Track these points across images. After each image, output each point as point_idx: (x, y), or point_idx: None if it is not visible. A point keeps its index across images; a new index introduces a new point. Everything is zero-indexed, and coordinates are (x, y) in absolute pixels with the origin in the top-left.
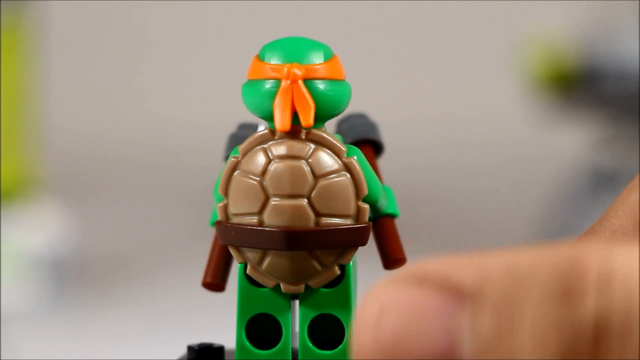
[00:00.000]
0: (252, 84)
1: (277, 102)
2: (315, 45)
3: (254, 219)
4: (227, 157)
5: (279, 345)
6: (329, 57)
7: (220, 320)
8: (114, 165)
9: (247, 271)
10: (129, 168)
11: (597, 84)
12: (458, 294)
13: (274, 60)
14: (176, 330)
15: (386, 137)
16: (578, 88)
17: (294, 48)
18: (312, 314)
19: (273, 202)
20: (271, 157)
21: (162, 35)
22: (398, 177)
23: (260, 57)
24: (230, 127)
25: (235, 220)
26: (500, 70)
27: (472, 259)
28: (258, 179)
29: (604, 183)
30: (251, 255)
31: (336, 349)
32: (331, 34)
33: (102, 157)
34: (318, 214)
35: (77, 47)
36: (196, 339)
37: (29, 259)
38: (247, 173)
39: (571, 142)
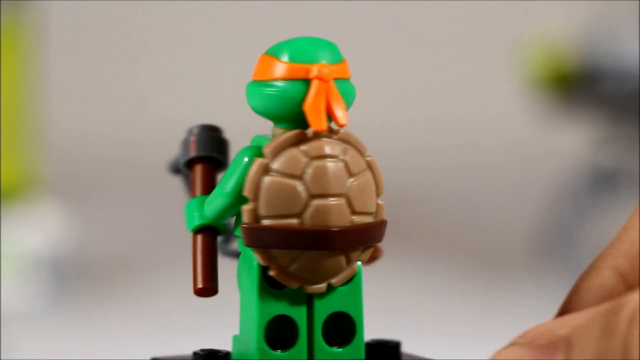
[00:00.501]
0: (265, 84)
1: (311, 102)
2: (332, 45)
3: (293, 221)
4: (187, 162)
5: (296, 345)
6: (342, 56)
7: (220, 320)
8: (114, 165)
9: (272, 273)
10: (129, 168)
11: (597, 84)
12: (553, 346)
13: (298, 60)
14: (176, 330)
15: (386, 137)
16: (578, 88)
17: (316, 48)
18: (326, 312)
19: (316, 203)
20: (308, 157)
21: (163, 35)
22: (398, 177)
23: (274, 57)
24: (231, 127)
25: (266, 222)
26: (500, 70)
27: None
28: (296, 180)
29: (604, 183)
30: (281, 256)
31: (348, 346)
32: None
33: (102, 157)
34: (353, 212)
35: (77, 47)
36: (196, 339)
37: (29, 259)
38: (282, 175)
39: (571, 142)
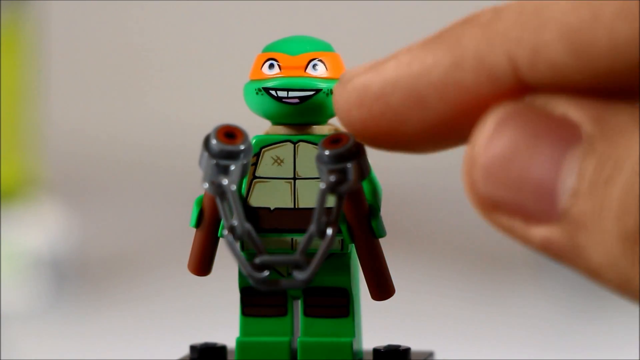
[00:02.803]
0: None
1: None
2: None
3: None
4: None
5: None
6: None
7: (220, 319)
8: (114, 166)
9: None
10: (129, 168)
11: None
12: (573, 134)
13: None
14: (177, 330)
15: None
16: None
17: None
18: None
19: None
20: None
21: (163, 35)
22: (397, 178)
23: None
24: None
25: None
26: None
27: (595, 101)
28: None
29: None
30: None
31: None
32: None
33: (102, 157)
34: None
35: (77, 47)
36: (197, 339)
37: (29, 259)
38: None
39: None
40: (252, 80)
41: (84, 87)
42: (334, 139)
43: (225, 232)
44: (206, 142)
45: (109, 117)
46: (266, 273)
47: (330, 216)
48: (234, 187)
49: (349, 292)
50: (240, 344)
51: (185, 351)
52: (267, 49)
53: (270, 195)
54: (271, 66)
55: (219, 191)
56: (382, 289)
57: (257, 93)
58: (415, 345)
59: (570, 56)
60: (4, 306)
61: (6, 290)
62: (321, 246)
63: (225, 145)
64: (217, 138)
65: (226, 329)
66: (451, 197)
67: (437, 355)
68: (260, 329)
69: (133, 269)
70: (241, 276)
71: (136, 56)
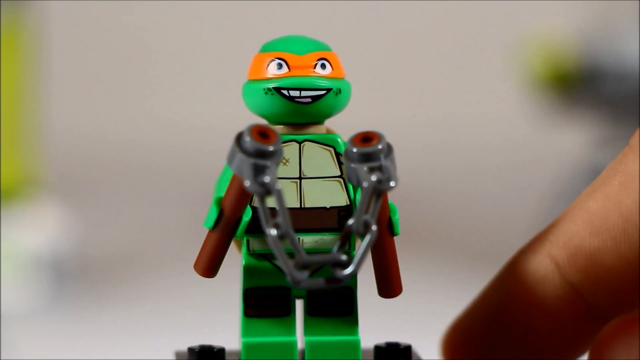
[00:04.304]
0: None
1: None
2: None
3: None
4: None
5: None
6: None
7: (221, 320)
8: (114, 166)
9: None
10: (129, 168)
11: (597, 84)
12: None
13: None
14: (177, 330)
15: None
16: (578, 88)
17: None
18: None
19: None
20: None
21: (163, 36)
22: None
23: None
24: (230, 128)
25: None
26: (499, 70)
27: None
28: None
29: None
30: None
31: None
32: (330, 34)
33: (102, 157)
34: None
35: (77, 48)
36: (197, 339)
37: (29, 259)
38: None
39: (571, 142)
40: (259, 80)
41: (83, 87)
42: (365, 137)
43: (272, 230)
44: (240, 141)
45: (109, 117)
46: (306, 273)
47: (369, 213)
48: (279, 186)
49: (354, 291)
50: (247, 345)
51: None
52: (268, 48)
53: None
54: (279, 66)
55: (264, 190)
56: (392, 286)
57: (266, 93)
58: (415, 342)
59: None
60: (4, 306)
61: (6, 290)
62: (365, 241)
63: (262, 145)
64: (253, 137)
65: (224, 330)
66: (451, 197)
67: (440, 355)
68: (262, 329)
69: (133, 269)
70: (246, 277)
71: (136, 56)
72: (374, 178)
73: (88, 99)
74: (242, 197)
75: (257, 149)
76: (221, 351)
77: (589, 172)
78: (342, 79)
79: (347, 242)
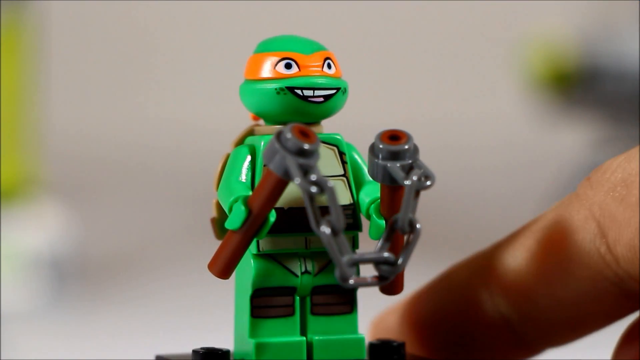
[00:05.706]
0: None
1: None
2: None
3: None
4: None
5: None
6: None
7: (221, 319)
8: (114, 166)
9: None
10: (129, 168)
11: (597, 84)
12: None
13: None
14: (177, 330)
15: None
16: (578, 88)
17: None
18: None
19: None
20: None
21: (163, 36)
22: None
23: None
24: (230, 128)
25: None
26: (499, 70)
27: None
28: None
29: None
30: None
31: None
32: (330, 34)
33: (102, 158)
34: None
35: (77, 48)
36: (197, 339)
37: (29, 259)
38: None
39: (571, 142)
40: (264, 80)
41: (83, 88)
42: (392, 135)
43: (326, 229)
44: (282, 139)
45: (109, 118)
46: (354, 270)
47: (410, 212)
48: (331, 184)
49: (355, 290)
50: (257, 345)
51: (186, 350)
52: (270, 48)
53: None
54: (289, 65)
55: (318, 188)
56: (396, 284)
57: (278, 92)
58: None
59: None
60: (4, 306)
61: (6, 290)
62: (412, 239)
63: (306, 144)
64: (296, 136)
65: (224, 330)
66: (451, 197)
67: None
68: (269, 330)
69: (133, 269)
70: (256, 278)
71: (136, 56)
72: (414, 177)
73: (88, 99)
74: (276, 195)
75: (300, 148)
76: (226, 354)
77: (589, 172)
78: (341, 78)
79: (390, 240)
